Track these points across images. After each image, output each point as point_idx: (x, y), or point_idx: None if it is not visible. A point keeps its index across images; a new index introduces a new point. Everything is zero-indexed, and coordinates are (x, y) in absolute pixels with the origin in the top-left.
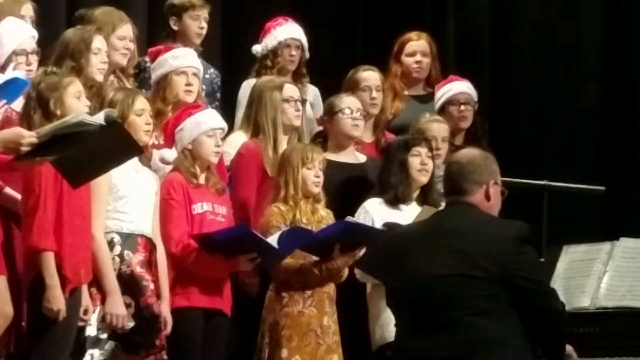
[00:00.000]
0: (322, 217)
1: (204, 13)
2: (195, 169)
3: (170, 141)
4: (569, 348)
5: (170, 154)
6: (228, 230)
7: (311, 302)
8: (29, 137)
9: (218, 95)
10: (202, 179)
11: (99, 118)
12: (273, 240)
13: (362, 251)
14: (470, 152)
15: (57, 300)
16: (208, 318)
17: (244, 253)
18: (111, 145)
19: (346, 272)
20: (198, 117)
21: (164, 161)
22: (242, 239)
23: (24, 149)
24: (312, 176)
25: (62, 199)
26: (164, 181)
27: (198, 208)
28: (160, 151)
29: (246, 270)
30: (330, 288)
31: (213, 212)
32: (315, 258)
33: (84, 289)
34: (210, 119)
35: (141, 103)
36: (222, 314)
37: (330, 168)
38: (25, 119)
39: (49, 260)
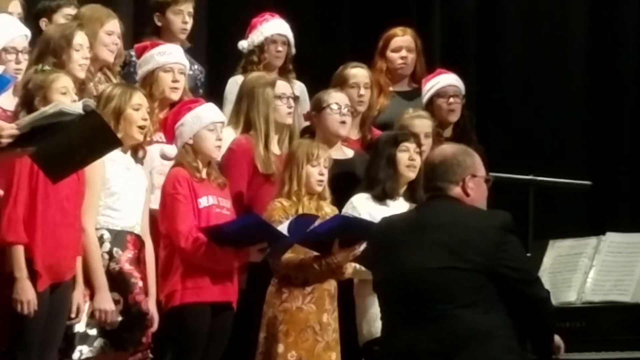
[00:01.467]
0: (326, 214)
1: (188, 8)
2: (198, 163)
3: (170, 137)
4: (557, 339)
5: (171, 149)
6: (238, 221)
7: (311, 298)
8: (9, 129)
9: (201, 91)
10: (204, 174)
11: (77, 107)
12: (283, 229)
13: (362, 247)
14: (443, 151)
15: (25, 292)
16: (215, 313)
17: (253, 244)
18: (90, 136)
19: (349, 269)
20: (198, 112)
21: (165, 157)
22: (253, 229)
23: (5, 140)
24: (316, 174)
25: (37, 193)
26: (168, 176)
27: (204, 202)
28: (160, 147)
29: (255, 261)
30: (331, 285)
31: (218, 205)
32: (315, 253)
33: (79, 286)
34: (210, 112)
35: (139, 98)
36: (229, 308)
37: None
38: (15, 118)
39: (18, 252)
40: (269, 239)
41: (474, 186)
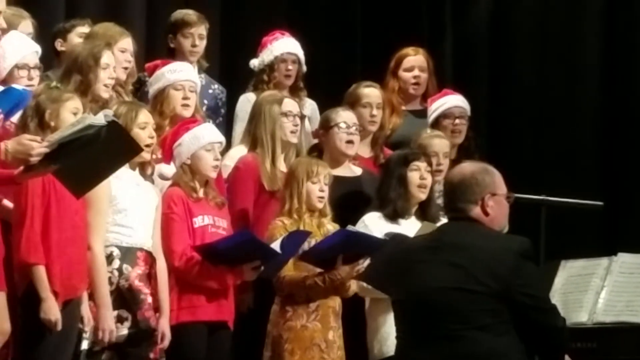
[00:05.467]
0: (328, 231)
1: (198, 30)
2: (195, 183)
3: (168, 157)
4: None
5: (169, 169)
6: (231, 238)
7: (315, 316)
8: (38, 147)
9: (222, 111)
10: (201, 193)
11: (100, 119)
12: (275, 246)
13: (366, 262)
14: (462, 170)
15: (52, 311)
16: (211, 331)
17: (246, 262)
18: (111, 146)
19: (353, 286)
20: (196, 132)
21: (162, 177)
22: (245, 246)
23: (34, 159)
24: (317, 190)
25: (50, 212)
26: (164, 196)
27: (199, 221)
28: (158, 167)
29: (249, 280)
30: (336, 302)
31: (214, 225)
32: (318, 270)
33: (85, 301)
34: (208, 133)
35: (144, 116)
36: (225, 327)
37: None
38: (22, 127)
39: (40, 273)
40: (262, 256)
41: (494, 205)
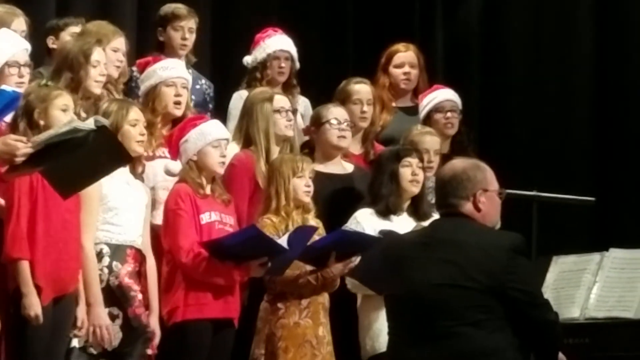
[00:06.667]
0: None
1: (188, 24)
2: (202, 179)
3: (175, 153)
4: (561, 356)
5: (176, 165)
6: (238, 234)
7: (307, 313)
8: (23, 147)
9: (210, 106)
10: (208, 190)
11: (90, 123)
12: (282, 242)
13: (357, 259)
14: (454, 167)
15: (33, 307)
16: (216, 329)
17: (254, 258)
18: (101, 152)
19: (338, 280)
20: (203, 128)
21: (169, 173)
22: (252, 242)
23: (19, 159)
24: (303, 185)
25: (37, 210)
26: (171, 192)
27: (206, 217)
28: (165, 163)
29: (256, 276)
30: (325, 298)
31: (221, 221)
32: (309, 267)
33: (82, 301)
34: (215, 129)
35: (135, 114)
36: (230, 325)
37: (318, 179)
38: (12, 128)
39: (24, 269)
40: (269, 252)
41: (485, 200)
